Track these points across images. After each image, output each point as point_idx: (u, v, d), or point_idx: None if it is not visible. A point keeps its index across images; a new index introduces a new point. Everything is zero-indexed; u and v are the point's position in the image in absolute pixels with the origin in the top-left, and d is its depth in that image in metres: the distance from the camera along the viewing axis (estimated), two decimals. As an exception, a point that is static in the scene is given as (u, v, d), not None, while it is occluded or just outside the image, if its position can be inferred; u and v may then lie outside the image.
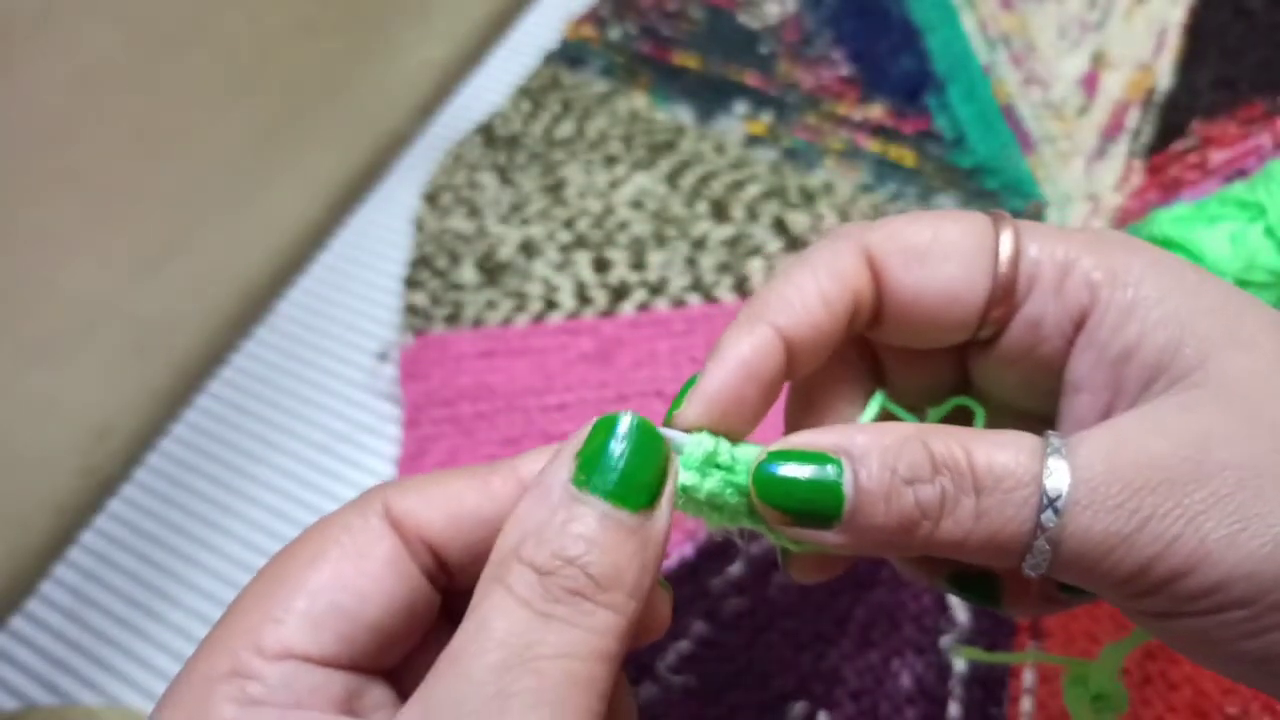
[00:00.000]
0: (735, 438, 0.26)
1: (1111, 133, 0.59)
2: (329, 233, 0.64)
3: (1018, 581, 0.28)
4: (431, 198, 0.63)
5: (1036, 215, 0.57)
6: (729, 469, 0.25)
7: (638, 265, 0.58)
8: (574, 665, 0.21)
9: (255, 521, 0.53)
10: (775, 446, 0.25)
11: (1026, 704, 0.42)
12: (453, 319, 0.58)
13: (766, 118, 0.63)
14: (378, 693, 0.24)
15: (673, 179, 0.61)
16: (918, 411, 0.30)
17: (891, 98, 0.63)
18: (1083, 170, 0.58)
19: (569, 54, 0.69)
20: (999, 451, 0.23)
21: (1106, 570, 0.23)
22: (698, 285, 0.57)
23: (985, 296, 0.26)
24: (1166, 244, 0.46)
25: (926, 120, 0.61)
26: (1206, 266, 0.44)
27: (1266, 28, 0.61)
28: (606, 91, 0.66)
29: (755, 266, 0.57)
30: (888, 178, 0.60)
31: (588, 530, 0.22)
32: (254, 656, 0.23)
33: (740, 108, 0.64)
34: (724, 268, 0.57)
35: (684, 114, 0.65)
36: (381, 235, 0.63)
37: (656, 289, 0.57)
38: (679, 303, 0.56)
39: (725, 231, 0.59)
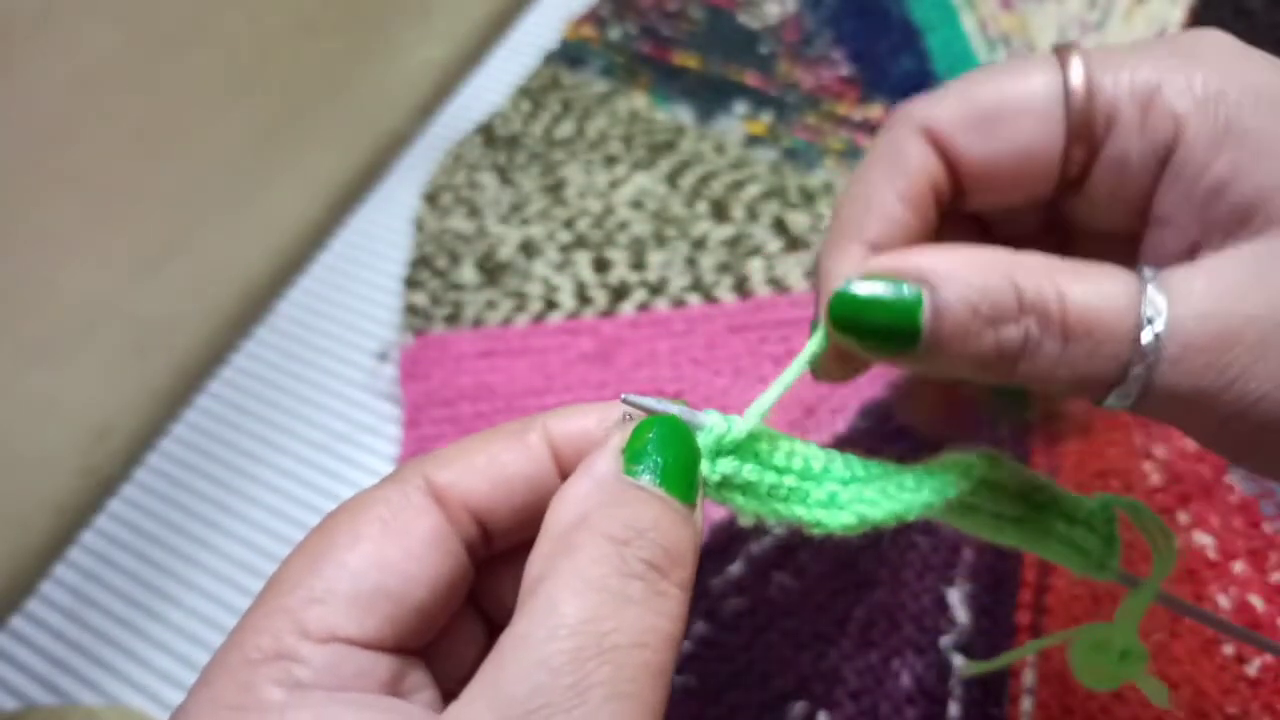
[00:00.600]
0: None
1: (1111, 133, 0.59)
2: (329, 233, 0.64)
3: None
4: (431, 198, 0.63)
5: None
6: (758, 453, 0.25)
7: (638, 265, 0.58)
8: (648, 655, 0.21)
9: (255, 521, 0.53)
10: (856, 273, 0.24)
11: (1026, 704, 0.42)
12: (453, 319, 0.58)
13: (766, 118, 0.63)
14: (418, 674, 0.24)
15: (673, 179, 0.61)
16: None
17: (891, 98, 0.63)
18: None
19: (569, 54, 0.69)
20: (1094, 293, 0.22)
21: (1196, 421, 0.23)
22: (698, 285, 0.57)
23: (1062, 146, 0.25)
24: None
25: (926, 120, 0.61)
26: None
27: (1266, 27, 0.61)
28: (606, 91, 0.66)
29: (755, 266, 0.57)
30: (888, 178, 0.60)
31: (652, 510, 0.22)
32: (299, 639, 0.22)
33: (740, 108, 0.64)
34: (724, 268, 0.57)
35: (684, 114, 0.65)
36: (381, 235, 0.63)
37: (656, 289, 0.57)
38: (679, 303, 0.56)
39: (725, 231, 0.59)
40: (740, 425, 0.25)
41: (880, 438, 0.50)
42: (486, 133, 0.66)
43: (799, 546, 0.47)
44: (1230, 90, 0.23)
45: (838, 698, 0.43)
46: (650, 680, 0.21)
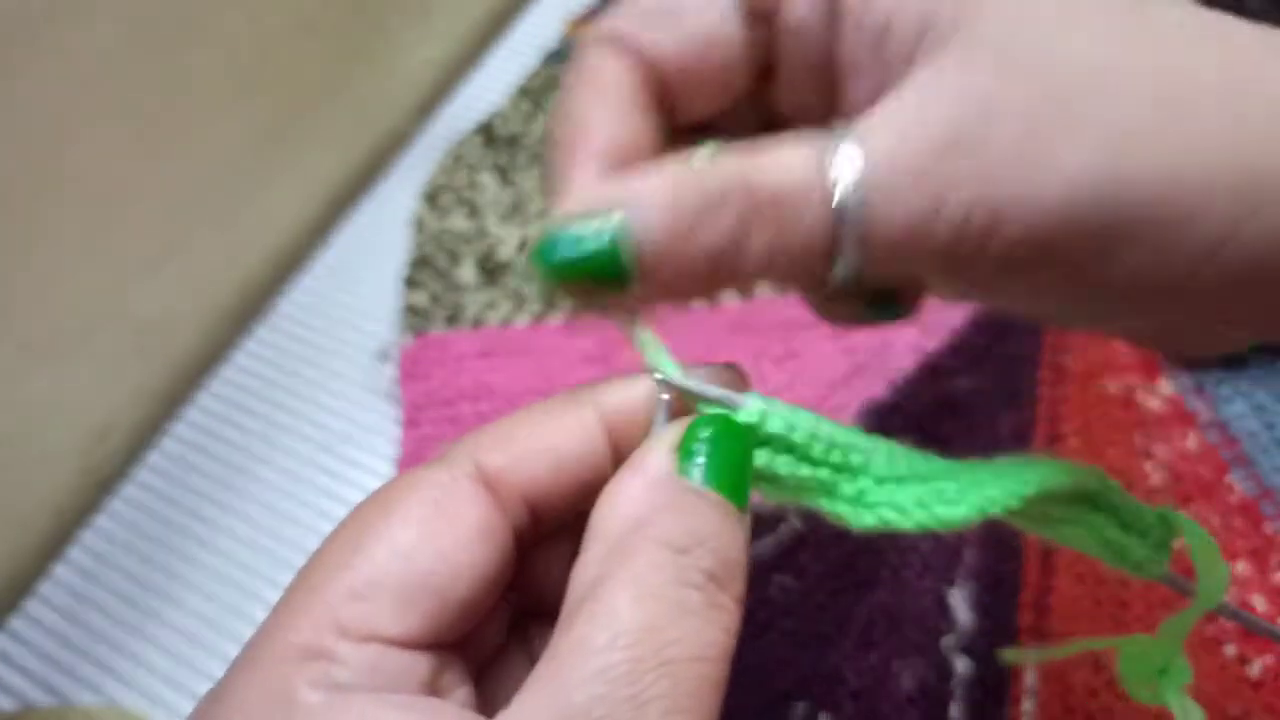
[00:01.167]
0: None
1: (1112, 132, 0.59)
2: (329, 233, 0.64)
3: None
4: (431, 198, 0.63)
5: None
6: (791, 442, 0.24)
7: (638, 265, 0.58)
8: (705, 668, 0.21)
9: (255, 521, 0.53)
10: (551, 220, 0.23)
11: (1028, 705, 0.42)
12: (453, 319, 0.58)
13: (767, 118, 0.63)
14: (455, 670, 0.23)
15: (673, 179, 0.61)
16: None
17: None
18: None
19: (569, 54, 0.69)
20: (778, 158, 0.22)
21: (921, 253, 0.22)
22: (698, 285, 0.57)
23: (741, 27, 0.25)
24: None
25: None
26: None
27: (1267, 27, 0.61)
28: (607, 91, 0.66)
29: (755, 266, 0.57)
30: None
31: (711, 518, 0.22)
32: (337, 638, 0.21)
33: (740, 108, 0.64)
34: (724, 268, 0.57)
35: (684, 114, 0.65)
36: (381, 235, 0.63)
37: (657, 289, 0.57)
38: (679, 303, 0.56)
39: (725, 231, 0.58)
40: (774, 420, 0.23)
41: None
42: (486, 133, 0.66)
43: (799, 547, 0.47)
44: None
45: (838, 698, 0.43)
46: (707, 694, 0.21)
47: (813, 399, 0.52)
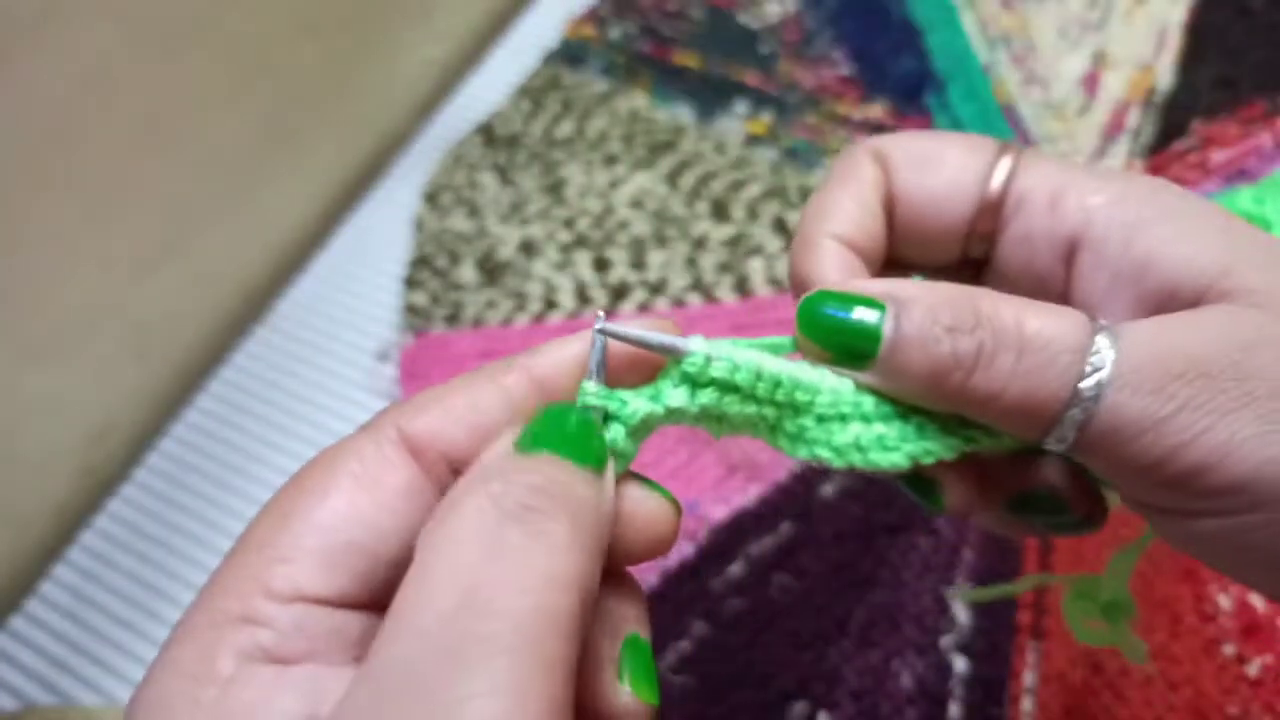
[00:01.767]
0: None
1: (1112, 132, 0.59)
2: (329, 233, 0.64)
3: (961, 483, 0.28)
4: (431, 197, 0.63)
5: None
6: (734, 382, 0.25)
7: (638, 265, 0.58)
8: (537, 599, 0.19)
9: (255, 521, 0.53)
10: (827, 287, 0.25)
11: (1027, 704, 0.42)
12: (453, 319, 0.58)
13: (767, 117, 0.63)
14: None
15: (673, 179, 0.61)
16: None
17: (892, 97, 0.63)
18: (1083, 170, 0.58)
19: (569, 53, 0.69)
20: (1049, 317, 0.24)
21: (1133, 453, 0.23)
22: (698, 285, 0.57)
23: (973, 207, 0.27)
24: None
25: (927, 120, 0.61)
26: None
27: (1267, 27, 0.61)
28: (606, 91, 0.66)
29: (755, 266, 0.57)
30: (888, 177, 0.60)
31: (532, 464, 0.21)
32: (263, 600, 0.21)
33: (740, 107, 0.64)
34: (724, 268, 0.57)
35: (684, 114, 0.65)
36: (381, 235, 0.63)
37: (656, 289, 0.57)
38: (679, 303, 0.56)
39: (725, 231, 0.59)
40: (718, 362, 0.24)
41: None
42: (486, 132, 0.66)
43: (799, 547, 0.47)
44: (1136, 187, 0.26)
45: (838, 698, 0.43)
46: (543, 627, 0.19)
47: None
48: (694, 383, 0.24)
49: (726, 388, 0.25)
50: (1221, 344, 0.23)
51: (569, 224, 0.60)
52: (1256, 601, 0.43)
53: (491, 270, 0.59)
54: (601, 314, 0.25)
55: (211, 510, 0.54)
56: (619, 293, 0.57)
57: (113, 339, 0.56)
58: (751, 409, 0.25)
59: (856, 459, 0.25)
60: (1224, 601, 0.43)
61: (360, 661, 0.21)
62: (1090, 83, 0.61)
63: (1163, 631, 0.42)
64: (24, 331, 0.51)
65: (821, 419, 0.25)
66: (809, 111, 0.63)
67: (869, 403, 0.25)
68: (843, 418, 0.25)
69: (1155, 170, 0.57)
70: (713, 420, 0.25)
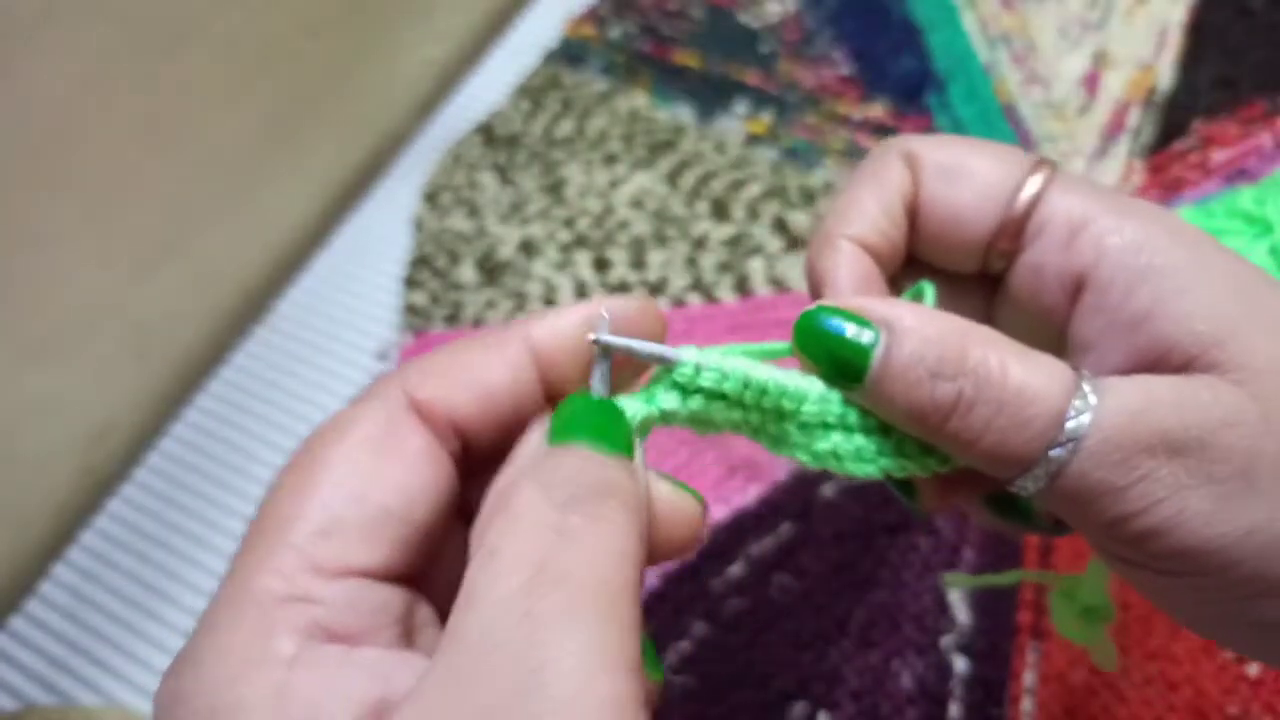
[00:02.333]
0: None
1: (1112, 132, 0.59)
2: (329, 233, 0.64)
3: (934, 484, 0.29)
4: (431, 197, 0.63)
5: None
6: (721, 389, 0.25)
7: (638, 265, 0.58)
8: (602, 573, 0.20)
9: (255, 521, 0.53)
10: (828, 301, 0.26)
11: (1027, 704, 0.42)
12: (452, 319, 0.58)
13: (767, 117, 0.63)
14: (425, 607, 0.23)
15: (673, 178, 0.61)
16: None
17: (892, 97, 0.63)
18: (1084, 170, 0.58)
19: (569, 53, 0.69)
20: (1035, 373, 0.24)
21: (1092, 513, 0.24)
22: (698, 285, 0.57)
23: (994, 226, 0.27)
24: None
25: (927, 120, 0.61)
26: None
27: (1267, 27, 0.61)
28: (606, 91, 0.66)
29: (755, 266, 0.57)
30: (888, 177, 0.60)
31: (574, 456, 0.22)
32: (312, 577, 0.21)
33: (740, 107, 0.64)
34: (724, 268, 0.57)
35: (684, 113, 0.65)
36: (381, 235, 0.63)
37: (656, 289, 0.57)
38: (679, 302, 0.56)
39: (725, 231, 0.59)
40: (707, 372, 0.25)
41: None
42: (486, 132, 0.66)
43: (800, 547, 0.47)
44: (1155, 233, 0.25)
45: (838, 698, 0.43)
46: (611, 596, 0.20)
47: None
48: (684, 390, 0.25)
49: (715, 395, 0.25)
50: (1195, 420, 0.23)
51: (569, 224, 0.60)
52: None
53: (491, 270, 0.59)
54: (606, 315, 0.25)
55: (211, 510, 0.54)
56: (619, 292, 0.57)
57: (113, 339, 0.56)
58: (738, 414, 0.26)
59: (832, 465, 0.26)
60: (1224, 601, 0.43)
61: (410, 644, 0.22)
62: (1090, 82, 0.61)
63: (1163, 632, 0.42)
64: (24, 331, 0.51)
65: (804, 426, 0.26)
66: (809, 111, 0.63)
67: (853, 415, 0.26)
68: (825, 426, 0.26)
69: (1156, 170, 0.57)
70: (702, 424, 0.26)
